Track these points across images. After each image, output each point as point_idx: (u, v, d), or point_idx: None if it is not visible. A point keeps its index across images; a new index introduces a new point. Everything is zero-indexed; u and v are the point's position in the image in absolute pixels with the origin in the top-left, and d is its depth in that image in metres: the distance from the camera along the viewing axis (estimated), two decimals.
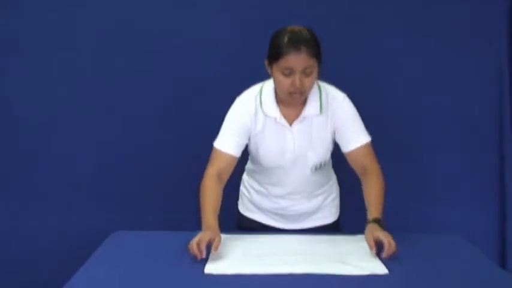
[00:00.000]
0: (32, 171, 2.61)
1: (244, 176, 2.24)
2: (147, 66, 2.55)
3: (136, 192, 2.61)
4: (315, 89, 1.97)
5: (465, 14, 2.56)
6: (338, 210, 2.23)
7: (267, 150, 2.01)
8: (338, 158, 2.23)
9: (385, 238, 1.80)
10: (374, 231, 1.84)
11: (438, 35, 2.56)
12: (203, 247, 1.75)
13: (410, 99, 2.60)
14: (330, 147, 2.04)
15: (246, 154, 2.23)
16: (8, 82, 2.57)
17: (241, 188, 2.25)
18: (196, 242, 1.76)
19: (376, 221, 1.88)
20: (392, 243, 1.79)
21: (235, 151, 2.00)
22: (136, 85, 2.56)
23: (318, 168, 2.04)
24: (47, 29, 2.53)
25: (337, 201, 2.23)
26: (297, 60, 1.81)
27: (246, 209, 2.22)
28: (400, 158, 2.61)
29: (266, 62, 1.91)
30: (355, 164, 2.03)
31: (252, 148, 2.06)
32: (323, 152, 2.02)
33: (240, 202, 2.25)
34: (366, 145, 2.01)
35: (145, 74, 2.56)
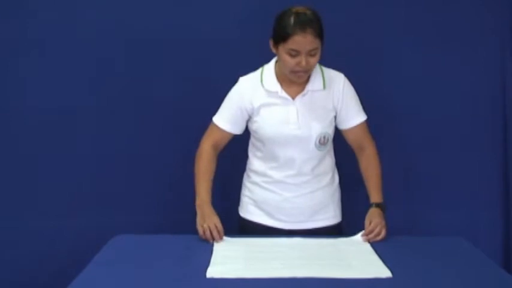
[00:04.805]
0: (31, 173, 2.57)
1: (245, 179, 2.24)
2: (147, 68, 2.53)
3: (136, 194, 2.58)
4: (317, 67, 2.08)
5: (468, 12, 2.53)
6: (340, 213, 2.22)
7: (270, 121, 2.07)
8: (340, 162, 2.24)
9: (376, 225, 1.98)
10: (372, 216, 2.03)
11: (441, 34, 2.53)
12: (209, 235, 1.96)
13: (414, 100, 2.57)
14: (333, 121, 2.11)
15: (245, 154, 2.24)
16: (8, 83, 2.54)
17: (242, 191, 2.24)
18: (203, 233, 1.96)
19: (378, 205, 2.07)
20: (380, 232, 1.97)
21: (231, 128, 2.13)
22: (137, 86, 2.54)
23: (322, 142, 2.07)
24: (47, 29, 2.51)
25: (339, 203, 2.22)
26: (303, 41, 1.91)
27: (247, 212, 2.20)
28: (402, 160, 2.58)
29: (271, 43, 2.00)
30: (352, 141, 2.17)
31: (256, 125, 2.10)
32: (327, 123, 2.08)
33: (240, 207, 2.24)
34: (363, 123, 2.15)
35: (146, 75, 2.54)
